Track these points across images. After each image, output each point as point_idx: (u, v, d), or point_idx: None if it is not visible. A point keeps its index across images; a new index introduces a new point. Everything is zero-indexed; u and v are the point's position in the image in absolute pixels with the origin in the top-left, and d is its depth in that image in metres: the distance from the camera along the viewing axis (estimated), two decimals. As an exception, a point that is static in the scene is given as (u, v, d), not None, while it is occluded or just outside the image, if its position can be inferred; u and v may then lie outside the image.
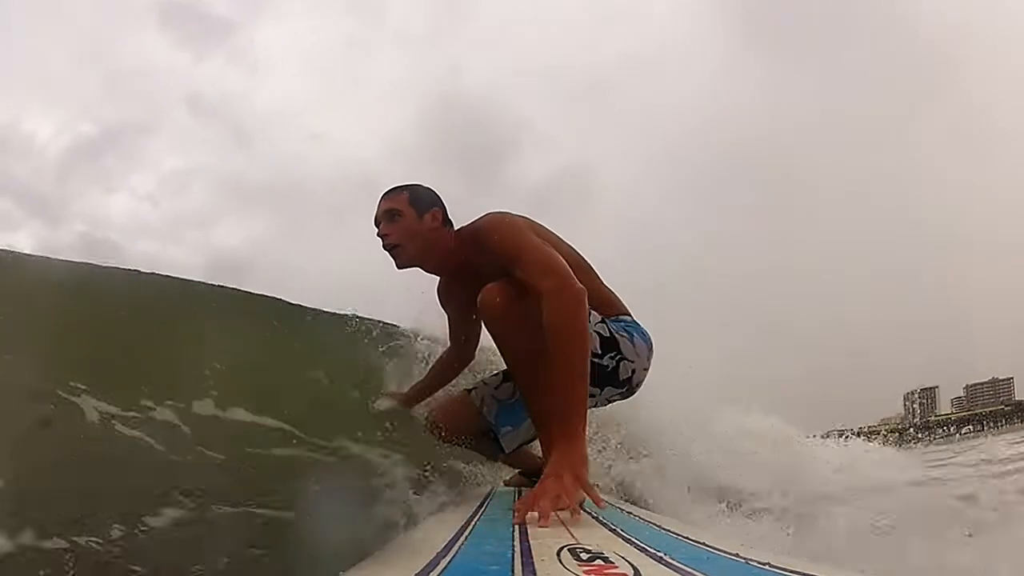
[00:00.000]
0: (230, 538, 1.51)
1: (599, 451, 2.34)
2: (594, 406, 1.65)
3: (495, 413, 1.78)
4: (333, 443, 2.01)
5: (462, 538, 0.98)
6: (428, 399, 2.05)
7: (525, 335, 1.42)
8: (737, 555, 0.82)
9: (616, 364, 1.58)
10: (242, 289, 2.93)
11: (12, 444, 1.43)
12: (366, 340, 2.58)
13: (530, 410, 1.56)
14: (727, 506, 2.30)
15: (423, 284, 1.85)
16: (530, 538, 0.89)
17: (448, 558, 0.79)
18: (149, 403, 1.80)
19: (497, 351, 1.57)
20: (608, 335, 1.58)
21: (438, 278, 1.83)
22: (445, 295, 1.84)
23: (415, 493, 1.81)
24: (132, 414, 1.74)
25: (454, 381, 2.05)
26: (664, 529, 1.15)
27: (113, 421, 1.69)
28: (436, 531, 1.14)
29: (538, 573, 0.66)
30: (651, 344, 1.68)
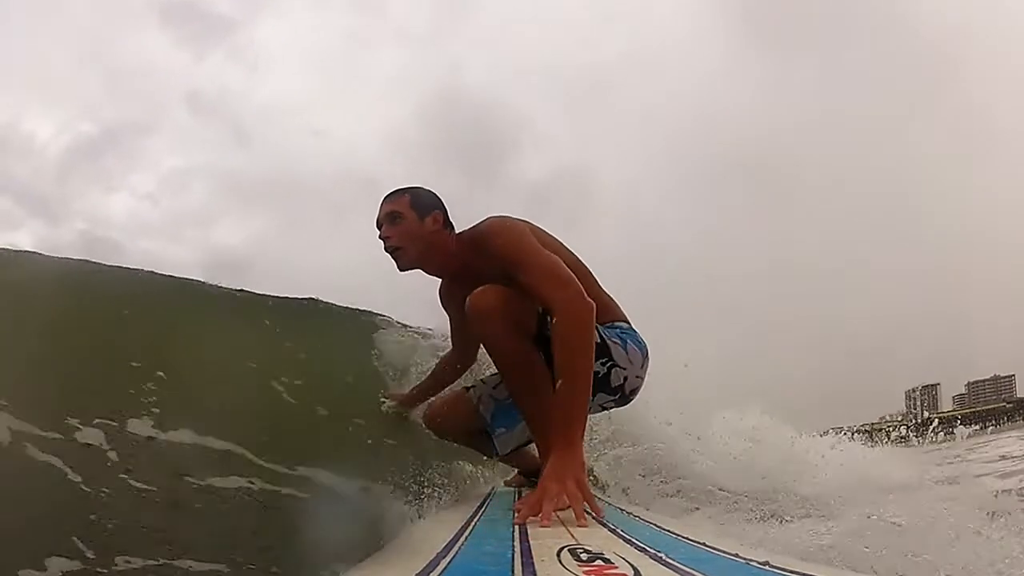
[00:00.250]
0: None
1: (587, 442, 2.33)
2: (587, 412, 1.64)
3: (491, 412, 1.78)
4: (310, 463, 1.80)
5: (462, 538, 0.98)
6: (429, 400, 2.06)
7: (515, 339, 1.45)
8: (737, 555, 0.82)
9: (607, 371, 1.58)
10: (199, 280, 2.63)
11: None
12: (352, 332, 2.53)
13: (522, 413, 1.57)
14: (718, 506, 2.30)
15: (424, 282, 1.84)
16: (530, 538, 0.90)
17: (448, 558, 0.79)
18: (75, 422, 1.55)
19: None
20: (600, 341, 1.58)
21: (440, 280, 1.83)
22: (446, 297, 1.85)
23: (415, 493, 1.81)
24: (51, 435, 1.49)
25: (456, 382, 2.06)
26: (664, 529, 1.15)
27: (25, 443, 1.44)
28: (436, 531, 1.14)
29: (538, 573, 0.66)
30: (646, 352, 1.67)
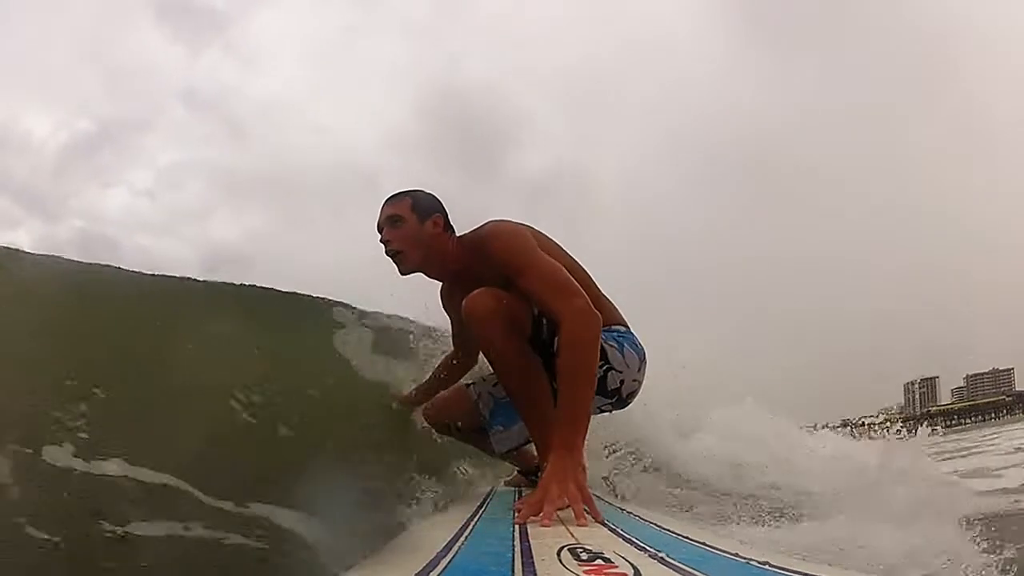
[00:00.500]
0: None
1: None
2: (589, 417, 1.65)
3: (490, 409, 1.80)
4: (268, 499, 1.57)
5: (462, 538, 0.98)
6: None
7: (511, 341, 1.46)
8: (737, 555, 0.82)
9: (604, 374, 1.58)
10: (159, 274, 2.37)
11: None
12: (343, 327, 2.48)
13: (519, 413, 1.59)
14: (716, 499, 2.31)
15: (425, 279, 1.84)
16: (530, 538, 0.90)
17: (448, 558, 0.79)
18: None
19: None
20: None
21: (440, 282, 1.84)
22: (447, 299, 1.86)
23: (415, 493, 1.81)
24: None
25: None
26: (664, 529, 1.15)
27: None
28: (436, 531, 1.14)
29: (538, 573, 0.66)
30: (643, 355, 1.68)
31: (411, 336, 2.48)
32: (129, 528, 1.33)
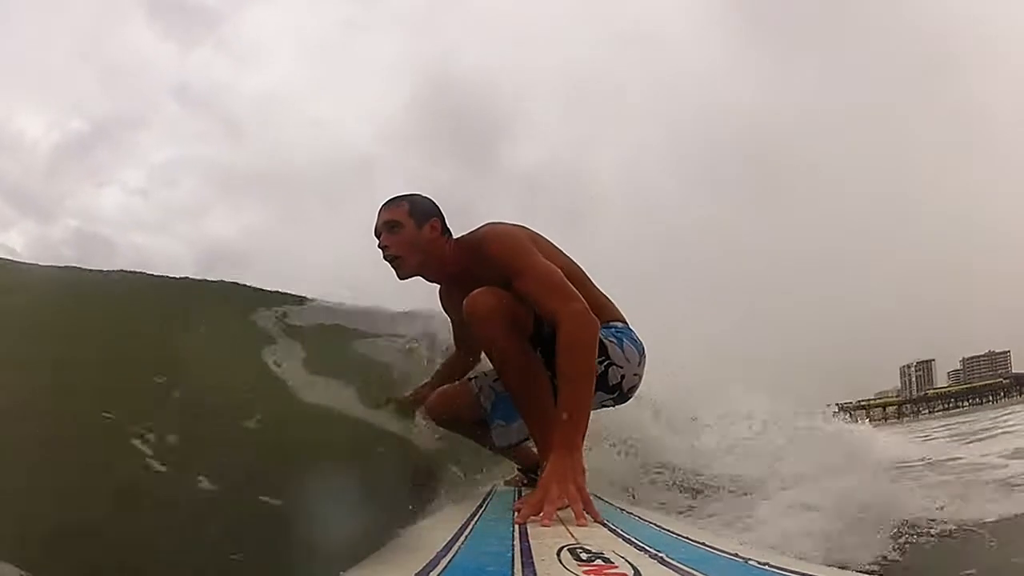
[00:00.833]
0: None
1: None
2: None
3: (492, 403, 1.81)
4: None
5: (462, 538, 0.98)
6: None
7: (512, 339, 1.48)
8: (737, 555, 0.82)
9: (605, 369, 1.60)
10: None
11: None
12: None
13: (520, 411, 1.60)
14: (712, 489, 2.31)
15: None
16: (530, 538, 0.90)
17: (448, 558, 0.79)
18: None
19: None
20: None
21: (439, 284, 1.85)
22: (446, 301, 1.88)
23: (415, 493, 1.81)
24: None
25: None
26: (664, 529, 1.15)
27: None
28: (436, 531, 1.14)
29: (538, 573, 0.66)
30: (643, 350, 1.70)
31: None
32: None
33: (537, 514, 1.07)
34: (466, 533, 1.04)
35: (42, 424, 1.53)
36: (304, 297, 2.99)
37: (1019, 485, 2.27)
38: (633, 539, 0.89)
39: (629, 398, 1.73)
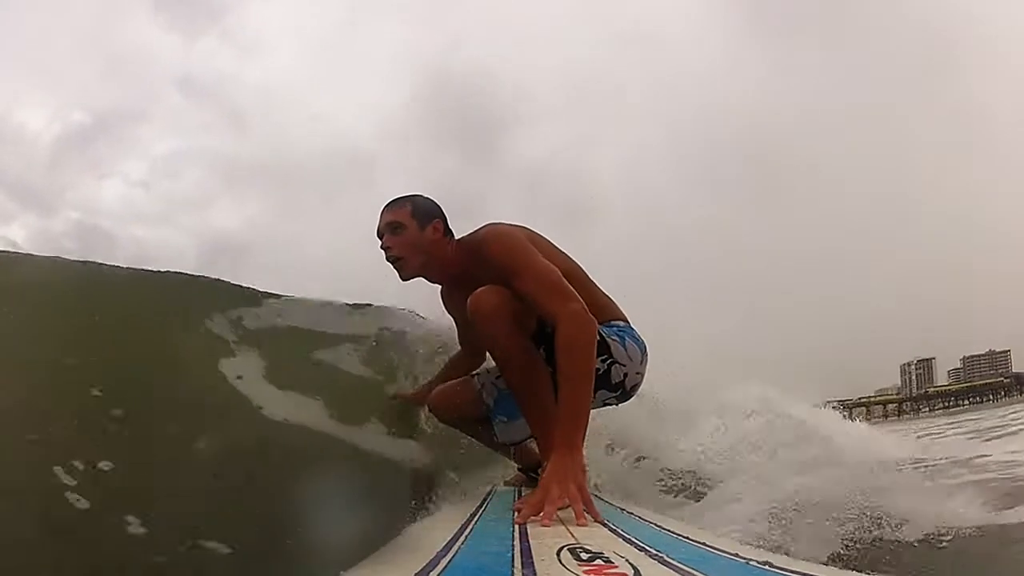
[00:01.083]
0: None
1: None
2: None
3: (494, 399, 1.82)
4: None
5: (462, 538, 0.98)
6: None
7: (516, 338, 1.49)
8: (737, 555, 0.82)
9: (607, 368, 1.61)
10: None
11: None
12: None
13: (523, 410, 1.61)
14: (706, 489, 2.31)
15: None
16: (530, 538, 0.90)
17: (448, 558, 0.79)
18: None
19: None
20: (599, 339, 1.61)
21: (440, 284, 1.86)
22: (448, 301, 1.89)
23: (415, 493, 1.81)
24: None
25: None
26: (664, 529, 1.15)
27: None
28: (436, 531, 1.14)
29: (538, 573, 0.66)
30: (644, 348, 1.71)
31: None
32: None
33: (537, 514, 1.08)
34: (466, 533, 1.04)
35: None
36: (276, 294, 2.86)
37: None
38: (633, 539, 0.89)
39: (631, 396, 1.74)
